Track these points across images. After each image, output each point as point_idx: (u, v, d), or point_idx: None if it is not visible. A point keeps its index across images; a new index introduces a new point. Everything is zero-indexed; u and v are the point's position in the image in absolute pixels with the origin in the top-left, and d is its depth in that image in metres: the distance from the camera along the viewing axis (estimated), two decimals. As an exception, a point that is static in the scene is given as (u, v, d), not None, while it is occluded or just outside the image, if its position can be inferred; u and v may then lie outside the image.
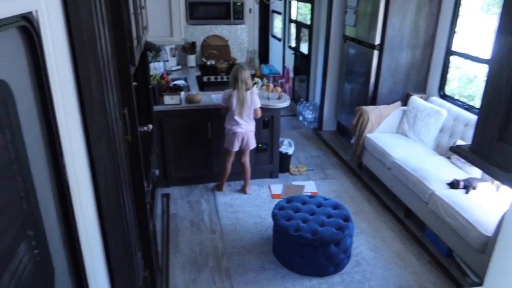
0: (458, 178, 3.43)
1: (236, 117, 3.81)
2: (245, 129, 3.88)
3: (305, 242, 2.96)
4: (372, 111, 4.53)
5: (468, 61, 4.31)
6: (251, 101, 3.81)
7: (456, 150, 1.11)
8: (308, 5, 6.59)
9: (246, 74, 3.77)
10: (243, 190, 4.29)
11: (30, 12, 1.10)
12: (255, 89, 4.21)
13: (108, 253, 1.58)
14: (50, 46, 1.17)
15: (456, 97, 4.49)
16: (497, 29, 1.10)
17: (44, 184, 1.06)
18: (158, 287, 2.53)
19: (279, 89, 4.36)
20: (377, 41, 4.64)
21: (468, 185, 3.36)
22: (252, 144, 4.00)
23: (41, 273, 1.00)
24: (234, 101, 3.76)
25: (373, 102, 4.84)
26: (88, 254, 1.29)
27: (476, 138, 1.10)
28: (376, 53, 4.69)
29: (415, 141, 4.33)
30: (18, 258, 0.84)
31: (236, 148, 3.96)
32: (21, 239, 0.88)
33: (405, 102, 4.69)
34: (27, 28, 1.09)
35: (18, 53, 1.04)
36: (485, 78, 1.25)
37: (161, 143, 4.13)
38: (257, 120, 4.08)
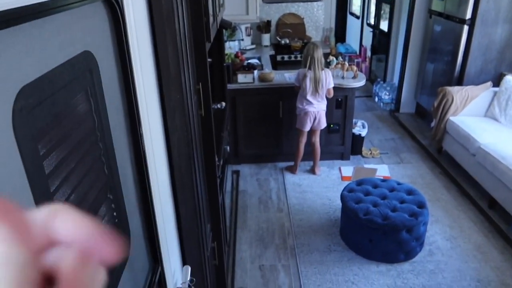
0: (556, 169, 3.06)
1: (309, 97, 3.74)
2: (317, 108, 3.80)
3: (375, 226, 2.86)
4: (457, 92, 4.19)
5: None
6: (325, 81, 3.71)
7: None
8: (390, -21, 6.19)
9: (321, 52, 3.67)
10: (312, 171, 4.24)
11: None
12: (329, 69, 4.09)
13: (180, 221, 1.65)
14: (132, 20, 1.22)
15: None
16: None
17: (123, 151, 1.12)
18: (225, 259, 2.62)
19: (354, 67, 4.20)
20: (468, 15, 4.23)
21: None
22: (323, 123, 3.91)
23: (119, 234, 1.08)
24: (308, 81, 3.68)
25: (459, 82, 4.46)
26: (161, 220, 1.36)
27: None
28: (466, 28, 4.29)
29: (507, 126, 3.93)
30: (99, 218, 0.91)
31: (307, 127, 3.90)
32: (102, 201, 0.94)
33: (497, 83, 4.26)
34: (111, 1, 1.15)
35: (103, 26, 1.10)
36: None
37: (233, 121, 4.21)
38: (329, 100, 3.97)
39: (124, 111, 1.14)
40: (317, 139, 4.04)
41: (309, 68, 3.64)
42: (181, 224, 1.69)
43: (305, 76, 3.68)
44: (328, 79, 3.72)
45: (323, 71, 3.67)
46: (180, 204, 1.63)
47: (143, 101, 1.21)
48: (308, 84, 3.68)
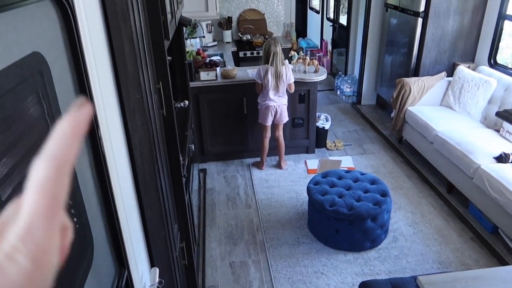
0: (506, 151, 3.24)
1: (271, 92, 3.76)
2: (278, 102, 3.84)
3: (341, 217, 2.93)
4: (414, 83, 4.34)
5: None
6: (286, 76, 3.74)
7: (503, 115, 1.03)
8: (347, -26, 6.31)
9: (280, 47, 3.70)
10: (278, 166, 4.28)
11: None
12: (288, 63, 4.13)
13: (146, 223, 1.62)
14: (84, 18, 1.18)
15: (509, 66, 4.19)
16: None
17: (81, 155, 1.08)
18: (194, 259, 2.60)
19: (315, 62, 4.26)
20: (422, 8, 4.39)
21: (517, 160, 3.17)
22: (285, 117, 3.96)
23: (81, 242, 1.05)
24: (270, 76, 3.70)
25: (416, 73, 4.62)
26: (125, 223, 1.33)
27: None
28: (420, 21, 4.45)
29: (461, 113, 4.12)
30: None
31: (269, 122, 3.93)
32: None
33: (450, 73, 4.45)
34: (61, 0, 1.10)
35: (53, 26, 1.06)
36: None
37: (197, 119, 4.17)
38: (292, 95, 4.01)
39: (80, 113, 1.10)
40: (280, 134, 4.08)
41: (271, 64, 3.67)
42: (147, 226, 1.66)
43: (266, 71, 3.70)
44: (289, 74, 3.76)
45: (283, 66, 3.71)
46: (145, 206, 1.61)
47: (100, 102, 1.18)
48: (270, 79, 3.70)
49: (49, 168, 0.24)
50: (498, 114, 1.05)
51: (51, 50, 0.96)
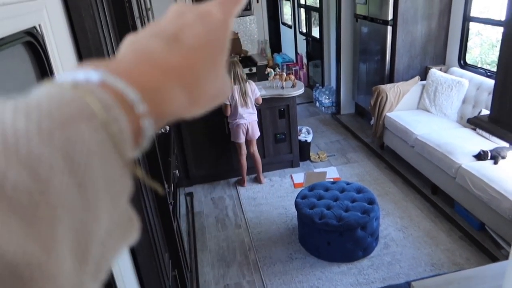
0: (485, 149, 3.32)
1: (240, 110, 3.85)
2: (248, 119, 3.92)
3: (331, 228, 2.94)
4: (390, 89, 4.43)
5: (489, 26, 4.15)
6: (252, 92, 3.87)
7: (474, 122, 1.07)
8: (315, -12, 6.47)
9: (241, 67, 3.86)
10: (257, 180, 4.30)
11: (34, 27, 1.11)
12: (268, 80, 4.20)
13: (135, 256, 1.60)
14: (57, 58, 1.18)
15: (478, 65, 4.33)
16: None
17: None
18: (188, 286, 2.57)
19: (292, 77, 4.32)
20: (390, 16, 4.51)
21: (496, 155, 3.24)
22: (257, 132, 4.04)
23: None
24: (236, 95, 3.80)
25: (391, 80, 4.73)
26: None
27: (495, 106, 1.05)
28: (389, 29, 4.57)
29: (438, 115, 4.22)
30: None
31: (242, 139, 3.99)
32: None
33: (424, 77, 4.56)
34: (32, 43, 1.11)
35: (25, 69, 1.06)
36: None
37: (180, 143, 4.16)
38: (272, 110, 4.06)
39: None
40: (255, 149, 4.12)
41: (234, 84, 3.77)
42: (137, 259, 1.63)
43: (232, 91, 3.79)
44: (254, 90, 3.88)
45: (247, 83, 3.83)
46: (132, 238, 1.58)
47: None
48: (237, 97, 3.80)
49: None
50: (469, 121, 1.09)
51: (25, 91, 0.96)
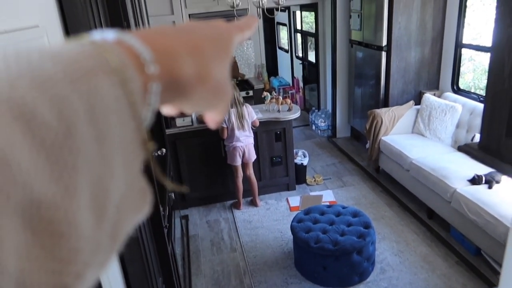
0: (479, 173, 3.34)
1: (237, 132, 3.88)
2: (244, 142, 3.95)
3: (327, 253, 2.92)
4: (385, 113, 4.48)
5: (482, 52, 4.23)
6: (248, 115, 3.91)
7: (464, 149, 1.08)
8: (312, 14, 6.62)
9: (238, 91, 3.96)
10: (253, 203, 4.29)
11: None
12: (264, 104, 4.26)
13: (128, 280, 1.58)
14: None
15: (472, 90, 4.41)
16: (495, 22, 1.08)
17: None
18: (182, 310, 2.52)
19: (288, 100, 4.37)
20: (384, 42, 4.61)
21: (490, 180, 3.26)
22: (253, 155, 4.06)
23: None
24: (233, 118, 3.84)
25: (386, 104, 4.79)
26: (107, 283, 1.30)
27: (484, 134, 1.07)
28: (384, 54, 4.66)
29: (432, 139, 4.26)
30: None
31: (238, 162, 4.00)
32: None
33: (418, 101, 4.63)
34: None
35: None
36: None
37: (176, 165, 4.16)
38: (268, 134, 4.08)
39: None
40: (251, 172, 4.13)
41: (231, 107, 3.81)
42: (130, 283, 1.61)
43: (229, 115, 3.83)
44: (250, 113, 3.92)
45: (244, 106, 3.87)
46: (126, 261, 1.57)
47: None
48: (234, 120, 3.83)
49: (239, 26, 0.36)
50: (460, 148, 1.10)
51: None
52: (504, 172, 0.88)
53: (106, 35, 0.26)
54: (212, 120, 0.37)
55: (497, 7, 0.91)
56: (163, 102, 0.28)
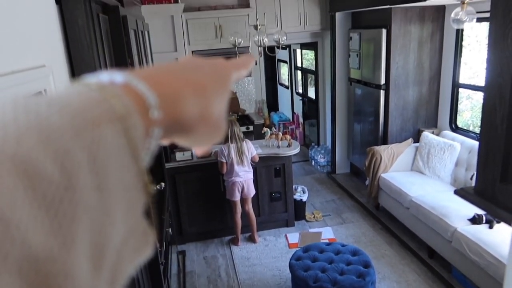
0: (479, 212, 3.32)
1: (236, 168, 3.88)
2: (244, 177, 3.94)
3: (326, 293, 2.85)
4: (384, 150, 4.51)
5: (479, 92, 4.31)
6: (248, 150, 3.93)
7: (460, 193, 1.09)
8: (312, 52, 6.78)
9: (238, 126, 3.97)
10: (252, 239, 4.24)
11: (39, 92, 1.17)
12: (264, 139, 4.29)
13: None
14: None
15: (470, 128, 4.45)
16: (486, 70, 1.11)
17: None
18: None
19: (288, 136, 4.40)
20: (383, 81, 4.71)
21: (491, 219, 3.24)
22: (252, 190, 4.05)
23: None
24: (233, 153, 3.85)
25: (384, 141, 4.82)
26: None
27: (479, 179, 1.08)
28: (382, 92, 4.74)
29: (431, 177, 4.26)
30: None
31: (237, 197, 3.99)
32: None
33: (417, 139, 4.66)
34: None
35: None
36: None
37: (174, 199, 4.14)
38: (268, 169, 4.09)
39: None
40: (250, 207, 4.11)
41: (231, 142, 3.83)
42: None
43: (229, 149, 3.85)
44: (250, 148, 3.95)
45: (243, 142, 3.90)
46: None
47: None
48: (234, 155, 3.85)
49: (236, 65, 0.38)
50: (456, 192, 1.11)
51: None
52: (500, 218, 0.89)
53: (114, 77, 0.26)
54: (200, 150, 0.38)
55: (488, 58, 0.94)
56: (166, 138, 0.30)
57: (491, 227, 3.20)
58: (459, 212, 3.41)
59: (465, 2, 3.27)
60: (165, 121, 0.27)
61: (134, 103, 0.25)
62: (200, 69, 0.33)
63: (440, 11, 4.47)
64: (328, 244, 3.41)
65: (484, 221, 3.25)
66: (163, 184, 3.14)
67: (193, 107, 0.29)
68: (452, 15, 3.49)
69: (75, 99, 0.23)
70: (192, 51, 5.44)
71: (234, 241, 4.26)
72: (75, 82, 0.26)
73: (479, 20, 3.55)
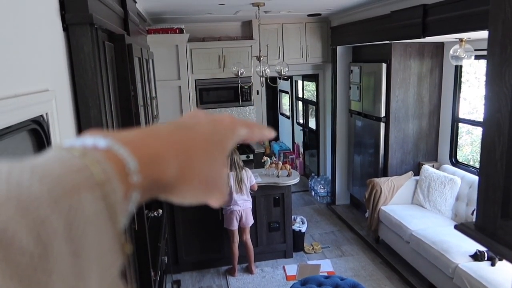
0: (481, 248, 3.26)
1: (235, 196, 3.86)
2: (242, 206, 3.92)
3: (324, 328, 2.77)
4: (384, 183, 4.49)
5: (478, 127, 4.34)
6: (247, 179, 3.92)
7: (461, 228, 1.08)
8: (314, 83, 6.88)
9: (238, 155, 3.98)
10: (249, 270, 4.16)
11: (41, 115, 1.18)
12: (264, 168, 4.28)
13: None
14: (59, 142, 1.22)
15: (470, 163, 4.45)
16: (484, 106, 1.12)
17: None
18: None
19: (288, 166, 4.40)
20: (383, 114, 4.74)
21: (493, 256, 3.18)
22: (251, 220, 4.01)
23: None
24: (232, 181, 3.85)
25: (385, 173, 4.81)
26: None
27: (480, 214, 1.07)
28: (382, 125, 4.77)
29: (432, 211, 4.21)
30: None
31: (235, 226, 3.94)
32: None
33: (417, 172, 4.65)
34: (37, 130, 1.16)
35: (26, 154, 1.09)
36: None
37: (171, 227, 4.09)
38: (267, 198, 4.06)
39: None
40: (248, 237, 4.05)
41: (231, 170, 3.83)
42: None
43: (228, 178, 3.84)
44: (249, 177, 3.94)
45: (243, 170, 3.90)
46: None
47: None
48: (233, 184, 3.84)
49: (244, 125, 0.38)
50: (456, 227, 1.10)
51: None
52: (501, 255, 0.87)
53: (97, 141, 0.27)
54: (213, 202, 0.38)
55: (486, 95, 0.95)
56: (146, 198, 0.30)
57: (493, 264, 3.14)
58: (460, 248, 3.35)
59: (463, 40, 3.35)
60: (145, 183, 0.28)
61: (115, 168, 0.26)
62: (197, 128, 0.34)
63: (439, 48, 4.56)
64: (327, 277, 3.34)
65: (486, 258, 3.19)
66: (160, 211, 3.11)
67: (172, 169, 0.30)
68: (451, 52, 3.57)
69: (57, 166, 0.24)
70: (195, 80, 5.52)
71: (231, 272, 4.17)
72: (59, 146, 0.27)
73: (477, 57, 3.62)
